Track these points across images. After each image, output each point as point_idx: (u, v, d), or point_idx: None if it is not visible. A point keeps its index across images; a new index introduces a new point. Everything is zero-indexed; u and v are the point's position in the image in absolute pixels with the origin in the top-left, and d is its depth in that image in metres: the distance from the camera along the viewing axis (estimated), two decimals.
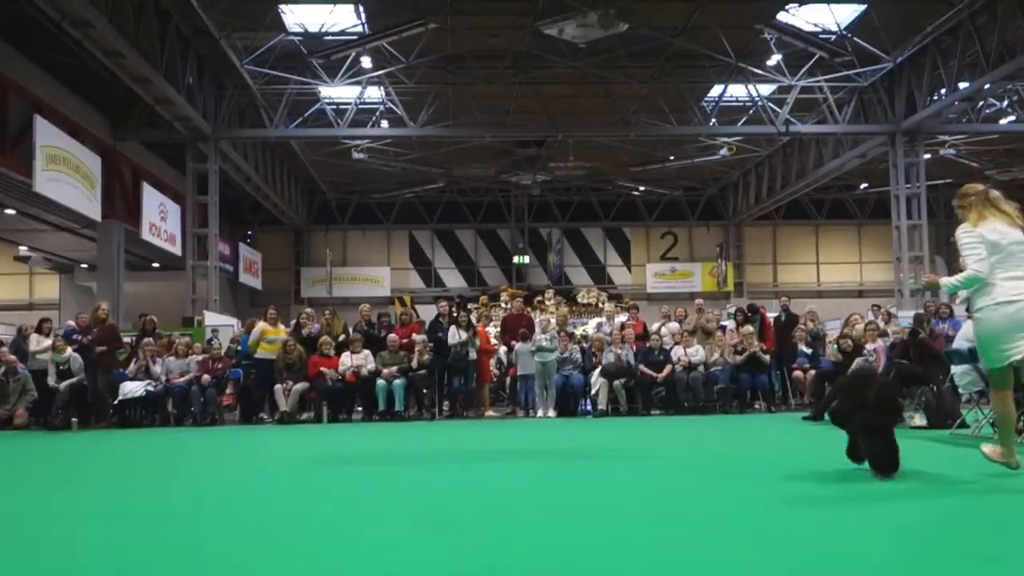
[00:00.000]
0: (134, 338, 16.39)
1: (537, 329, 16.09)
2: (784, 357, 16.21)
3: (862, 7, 21.17)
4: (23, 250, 31.29)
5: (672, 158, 32.43)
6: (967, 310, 6.33)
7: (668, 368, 15.51)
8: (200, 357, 15.88)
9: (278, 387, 15.08)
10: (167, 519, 4.89)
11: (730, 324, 17.22)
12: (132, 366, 15.54)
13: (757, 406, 16.01)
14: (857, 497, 5.25)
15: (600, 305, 29.36)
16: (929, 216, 26.32)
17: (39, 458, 9.59)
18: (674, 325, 16.96)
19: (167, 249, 26.03)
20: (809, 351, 15.86)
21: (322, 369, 15.16)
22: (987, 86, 21.54)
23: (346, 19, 21.51)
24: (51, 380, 14.55)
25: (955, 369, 10.16)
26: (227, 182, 27.19)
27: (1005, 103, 26.21)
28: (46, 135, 19.43)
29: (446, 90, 25.30)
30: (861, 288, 38.88)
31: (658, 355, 15.72)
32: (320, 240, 39.10)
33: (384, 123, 27.19)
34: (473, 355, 15.70)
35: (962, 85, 21.94)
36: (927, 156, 27.05)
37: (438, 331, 15.93)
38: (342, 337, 16.00)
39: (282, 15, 21.00)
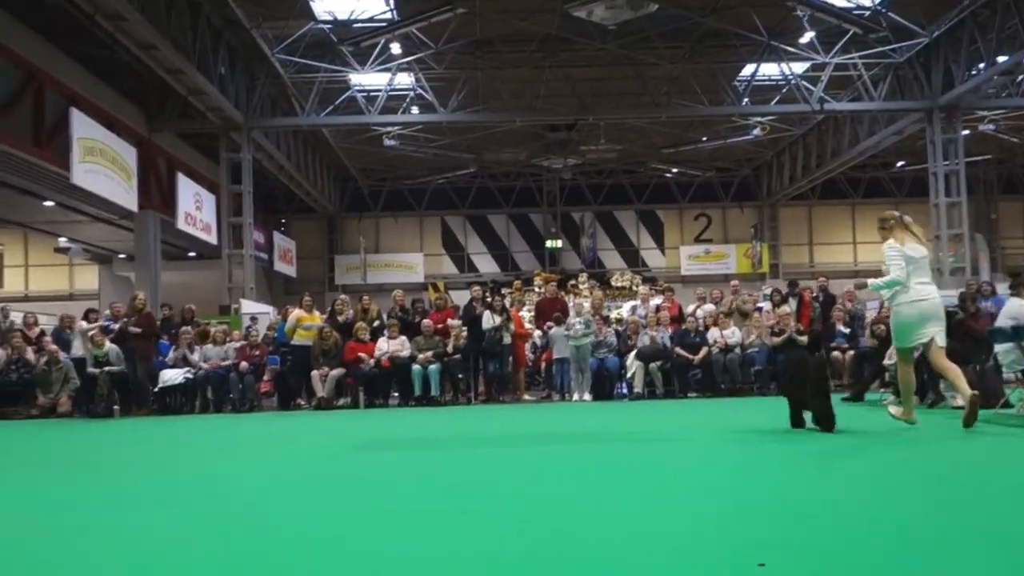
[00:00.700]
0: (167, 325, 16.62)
1: (571, 313, 16.08)
2: (822, 337, 16.06)
3: None
4: (63, 241, 31.68)
5: (705, 139, 32.20)
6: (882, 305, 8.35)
7: (704, 350, 15.45)
8: (238, 344, 16.04)
9: (315, 373, 15.19)
10: (207, 502, 4.93)
11: (766, 305, 17.10)
12: (171, 354, 15.73)
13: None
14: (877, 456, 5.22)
15: (634, 288, 29.20)
16: (968, 193, 25.95)
17: (86, 445, 9.71)
18: (710, 307, 16.87)
19: (203, 238, 26.24)
20: (847, 331, 15.70)
21: (360, 355, 15.24)
22: None
23: (375, 6, 21.49)
24: (90, 369, 14.74)
25: (998, 348, 10.05)
26: (260, 171, 27.33)
27: None
28: (83, 127, 19.61)
29: (476, 75, 25.23)
30: None
31: (694, 337, 15.66)
32: (353, 227, 39.25)
33: (414, 109, 27.19)
34: (508, 339, 15.72)
35: (1001, 59, 21.55)
36: (965, 132, 26.61)
37: (472, 316, 15.96)
38: (377, 323, 16.07)
39: (311, 3, 21.01)
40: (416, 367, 15.19)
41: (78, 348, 15.15)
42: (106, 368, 14.44)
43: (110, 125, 21.55)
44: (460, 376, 15.76)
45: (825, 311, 16.28)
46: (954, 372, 7.98)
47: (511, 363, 16.00)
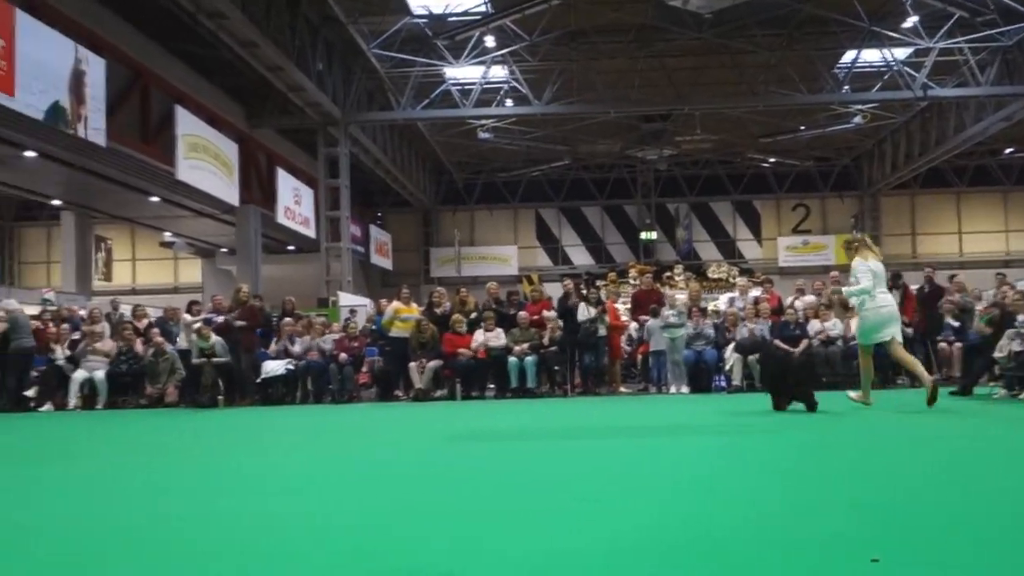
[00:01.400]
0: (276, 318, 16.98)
1: (665, 305, 15.95)
2: (929, 330, 15.62)
3: None
4: (167, 236, 32.62)
5: (803, 128, 31.58)
6: (847, 309, 10.68)
7: (805, 342, 15.13)
8: (337, 336, 16.30)
9: (412, 365, 15.34)
10: (307, 489, 5.01)
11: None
12: (273, 346, 16.08)
13: (900, 380, 15.46)
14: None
15: (731, 280, 28.87)
16: None
17: (195, 433, 9.97)
18: (810, 298, 16.52)
19: (302, 232, 26.78)
20: (957, 324, 15.21)
21: (460, 350, 15.33)
22: None
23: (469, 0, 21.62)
24: (195, 360, 15.14)
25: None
26: (357, 165, 27.74)
27: None
28: (187, 124, 20.19)
29: (570, 66, 25.19)
30: (1007, 258, 37.06)
31: (794, 329, 15.34)
32: (448, 220, 39.57)
33: (509, 102, 27.27)
34: (603, 331, 15.64)
35: None
36: None
37: (567, 308, 15.93)
38: (474, 315, 16.15)
39: None
40: (512, 359, 15.23)
41: (183, 340, 15.57)
42: (211, 359, 14.83)
43: (212, 122, 22.13)
44: (556, 368, 15.75)
45: (931, 303, 15.81)
46: (912, 362, 10.20)
47: (607, 355, 15.93)
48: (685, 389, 15.20)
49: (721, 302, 22.33)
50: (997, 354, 11.58)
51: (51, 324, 16.49)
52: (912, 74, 24.78)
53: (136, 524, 4.00)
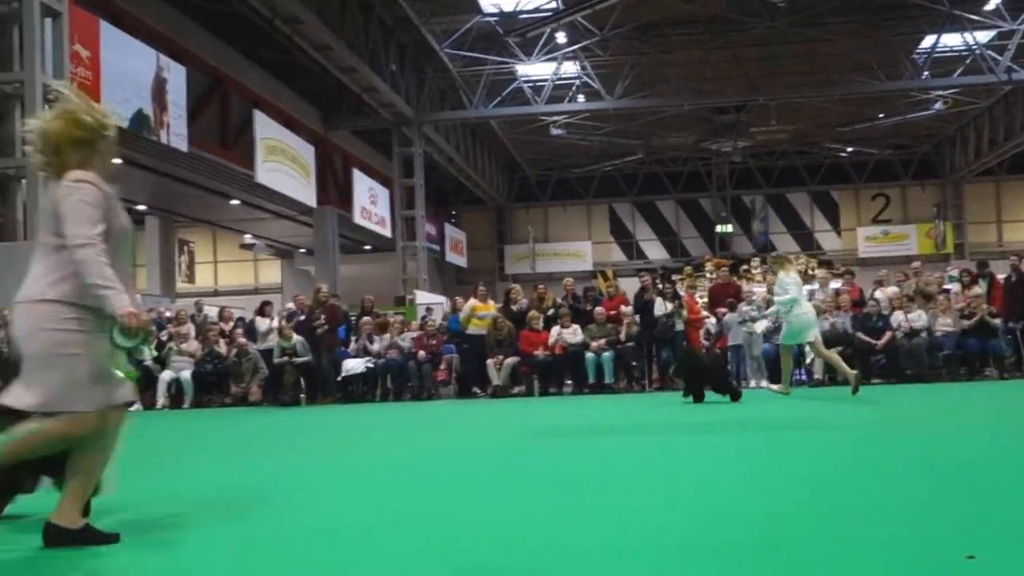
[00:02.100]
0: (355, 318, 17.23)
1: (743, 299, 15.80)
2: (1017, 319, 15.18)
3: None
4: (247, 238, 33.30)
5: (882, 115, 30.92)
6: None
7: (888, 335, 14.84)
8: (415, 334, 16.45)
9: (490, 361, 15.42)
10: (400, 481, 5.11)
11: (954, 287, 16.30)
12: (353, 344, 16.30)
13: (988, 372, 15.09)
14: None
15: (810, 272, 28.39)
16: None
17: (282, 430, 10.18)
18: (892, 289, 16.19)
19: (378, 231, 27.10)
20: None
21: (537, 347, 15.37)
22: None
23: None
24: (276, 359, 15.42)
25: None
26: (431, 164, 27.95)
27: None
28: (265, 128, 20.60)
29: (641, 60, 25.06)
30: None
31: (876, 321, 15.06)
32: (522, 217, 39.63)
33: (581, 97, 27.24)
34: (680, 326, 15.52)
35: None
36: None
37: (643, 303, 15.86)
38: (551, 311, 16.15)
39: None
40: (589, 355, 15.22)
41: (269, 340, 15.90)
42: (293, 359, 15.10)
43: (290, 125, 22.53)
44: (634, 364, 15.70)
45: (1019, 292, 15.36)
46: (835, 358, 11.97)
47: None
48: (764, 383, 15.02)
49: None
50: None
51: None
52: (996, 57, 24.14)
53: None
